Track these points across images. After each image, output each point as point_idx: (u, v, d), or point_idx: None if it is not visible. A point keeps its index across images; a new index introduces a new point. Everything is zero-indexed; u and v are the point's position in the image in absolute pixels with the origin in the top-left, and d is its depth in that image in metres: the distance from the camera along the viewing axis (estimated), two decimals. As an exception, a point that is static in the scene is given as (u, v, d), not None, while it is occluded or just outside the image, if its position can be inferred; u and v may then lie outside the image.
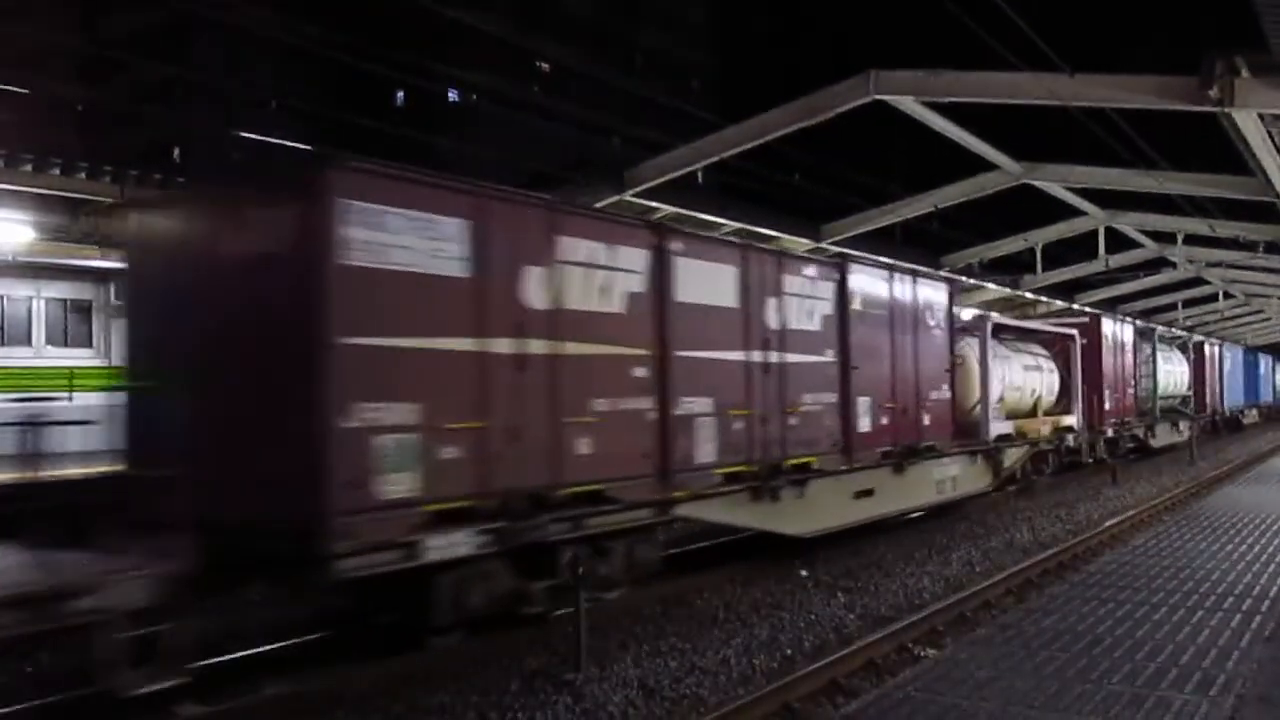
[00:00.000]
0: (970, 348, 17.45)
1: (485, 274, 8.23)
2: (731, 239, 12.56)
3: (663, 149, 15.58)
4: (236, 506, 7.23)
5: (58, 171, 13.73)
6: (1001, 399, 18.32)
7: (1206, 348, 37.44)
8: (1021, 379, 19.83)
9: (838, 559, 12.77)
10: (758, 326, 11.36)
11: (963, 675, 6.84)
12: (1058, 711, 6.09)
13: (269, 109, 39.55)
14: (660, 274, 10.03)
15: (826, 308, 12.73)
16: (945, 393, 15.43)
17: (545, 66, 50.51)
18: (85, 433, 12.58)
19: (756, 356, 11.27)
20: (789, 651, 8.74)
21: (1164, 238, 24.39)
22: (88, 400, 14.03)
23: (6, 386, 14.17)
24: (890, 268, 14.98)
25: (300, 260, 7.37)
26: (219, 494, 7.25)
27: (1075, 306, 29.04)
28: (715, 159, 15.44)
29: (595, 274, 9.32)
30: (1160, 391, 29.86)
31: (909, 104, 13.58)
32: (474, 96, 45.76)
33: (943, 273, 18.45)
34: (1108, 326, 24.93)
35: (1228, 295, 35.12)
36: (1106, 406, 23.91)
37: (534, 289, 8.70)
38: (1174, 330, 36.48)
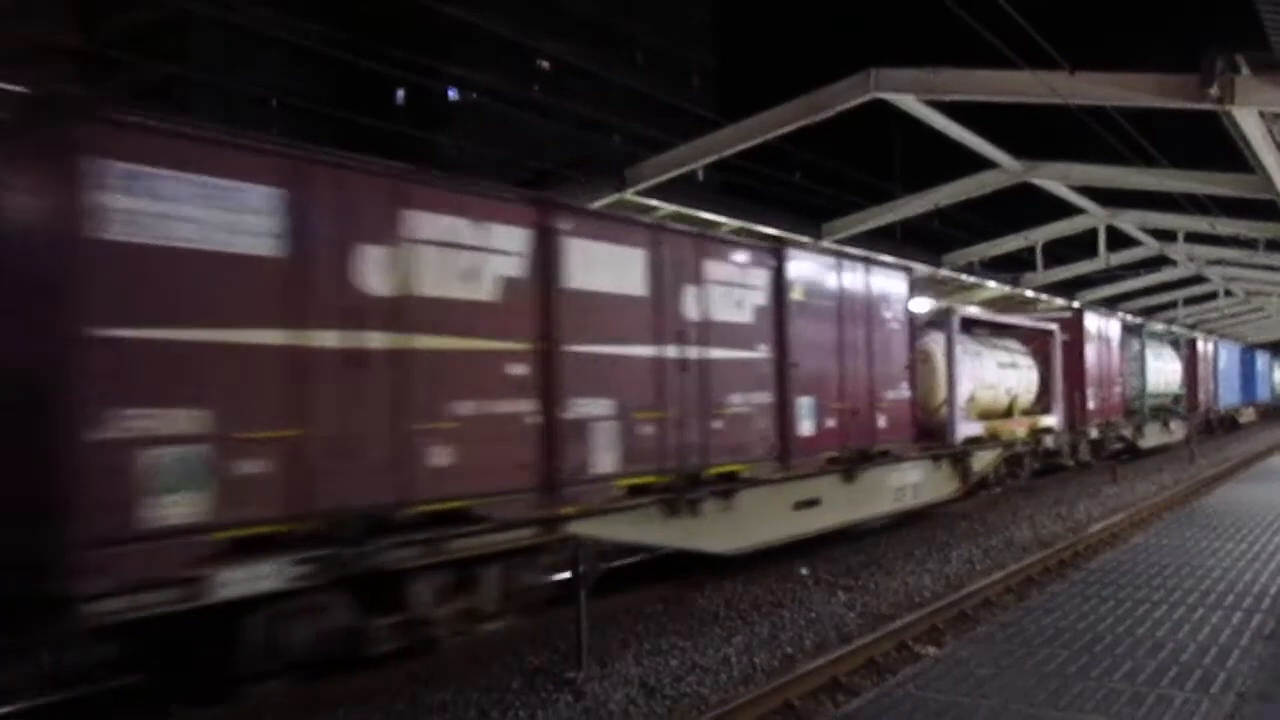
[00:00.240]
0: (936, 343, 16.40)
1: (305, 253, 6.93)
2: (638, 217, 10.91)
3: (663, 147, 15.56)
4: None
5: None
6: (972, 398, 17.28)
7: (1200, 344, 35.99)
8: (995, 377, 18.62)
9: (838, 557, 12.79)
10: (672, 318, 10.14)
11: (963, 673, 6.85)
12: (1058, 709, 6.10)
13: (269, 107, 39.56)
14: (546, 257, 8.76)
15: (760, 298, 11.46)
16: (904, 392, 14.23)
17: (545, 65, 50.52)
18: None
19: (671, 352, 10.07)
20: (790, 650, 8.75)
21: (1164, 236, 24.35)
22: None
23: None
24: (837, 254, 13.94)
25: (42, 234, 6.14)
26: None
27: (1056, 300, 27.79)
28: (716, 157, 15.41)
29: (458, 255, 8.01)
30: (1150, 390, 28.64)
31: (909, 102, 13.57)
32: (474, 95, 45.75)
33: (900, 260, 16.94)
34: (1091, 321, 23.84)
35: (1228, 293, 35.08)
36: (1090, 406, 22.84)
37: (374, 272, 7.40)
38: (1165, 326, 35.35)
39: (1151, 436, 28.27)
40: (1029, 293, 27.17)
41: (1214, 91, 10.78)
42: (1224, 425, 39.71)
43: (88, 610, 5.78)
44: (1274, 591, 9.26)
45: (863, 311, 13.39)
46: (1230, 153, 13.39)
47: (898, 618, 9.53)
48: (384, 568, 7.27)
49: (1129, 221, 22.64)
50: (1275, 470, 22.37)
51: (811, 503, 12.05)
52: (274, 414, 6.72)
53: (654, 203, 15.02)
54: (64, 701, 7.23)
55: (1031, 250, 24.68)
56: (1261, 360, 50.47)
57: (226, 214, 6.58)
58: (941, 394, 16.23)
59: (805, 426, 11.97)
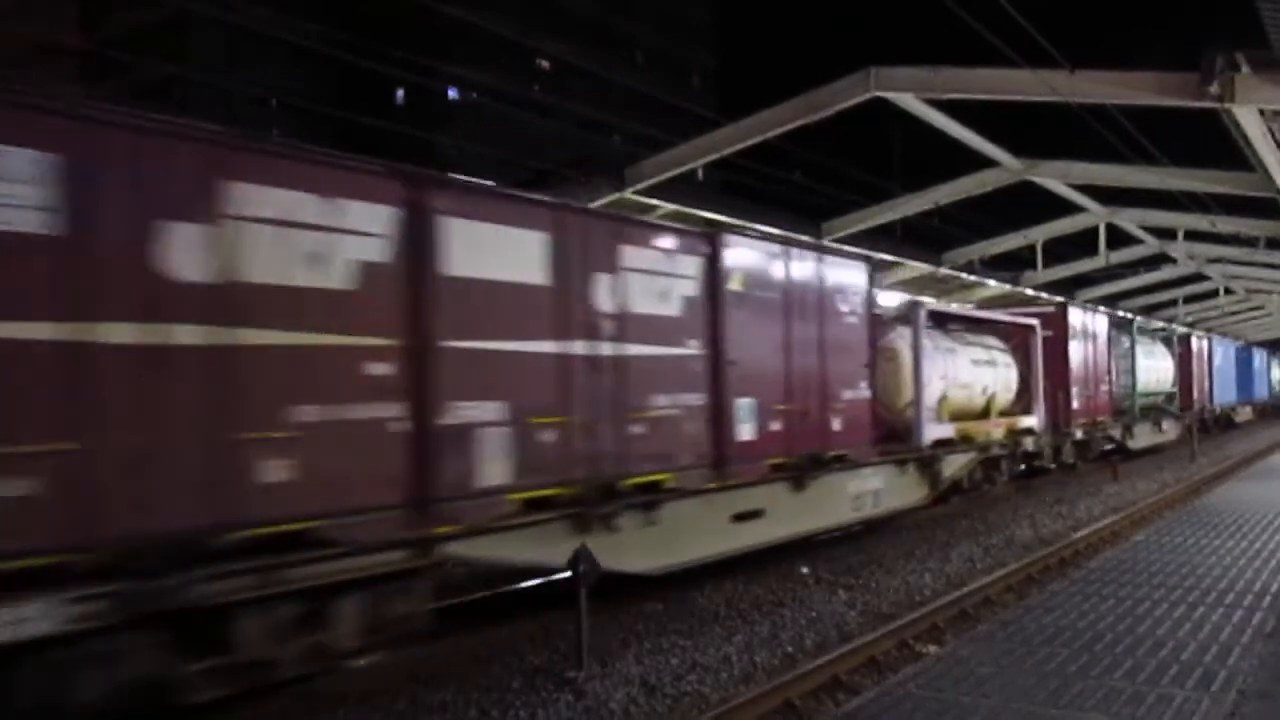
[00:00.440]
0: (903, 340, 15.41)
1: (87, 231, 5.93)
2: (538, 196, 9.41)
3: (663, 146, 15.56)
4: None
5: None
6: (944, 398, 16.30)
7: (1194, 341, 34.64)
8: (970, 375, 17.47)
9: (839, 556, 12.79)
10: (582, 310, 9.08)
11: (964, 672, 6.85)
12: (1059, 708, 6.10)
13: (269, 107, 39.57)
14: (417, 239, 7.66)
15: (690, 288, 10.42)
16: (863, 391, 13.21)
17: (545, 64, 50.54)
18: None
19: (579, 348, 9.00)
20: (790, 648, 8.75)
21: (1165, 234, 24.35)
22: None
23: None
24: (785, 241, 12.71)
25: None
26: None
27: (1035, 294, 26.55)
28: (715, 156, 15.41)
29: (299, 236, 6.89)
30: (1141, 388, 27.65)
31: (909, 101, 13.57)
32: (474, 94, 45.76)
33: (859, 250, 15.93)
34: (1076, 316, 22.60)
35: (1228, 291, 35.09)
36: (1075, 405, 21.74)
37: (183, 255, 6.31)
38: (1157, 322, 34.61)
39: (1142, 437, 27.32)
40: (1029, 291, 27.18)
41: (1214, 90, 10.79)
42: (1220, 424, 38.66)
43: None
44: (1275, 590, 9.26)
45: (814, 305, 12.35)
46: (1230, 151, 13.40)
47: (898, 616, 9.53)
48: (200, 603, 6.16)
49: (1129, 220, 22.64)
50: (1276, 468, 22.38)
51: (754, 514, 11.09)
52: (42, 423, 5.66)
53: (654, 202, 15.02)
54: None
55: (1032, 249, 24.69)
56: (1259, 358, 49.39)
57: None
58: (908, 394, 15.29)
59: (745, 430, 10.99)
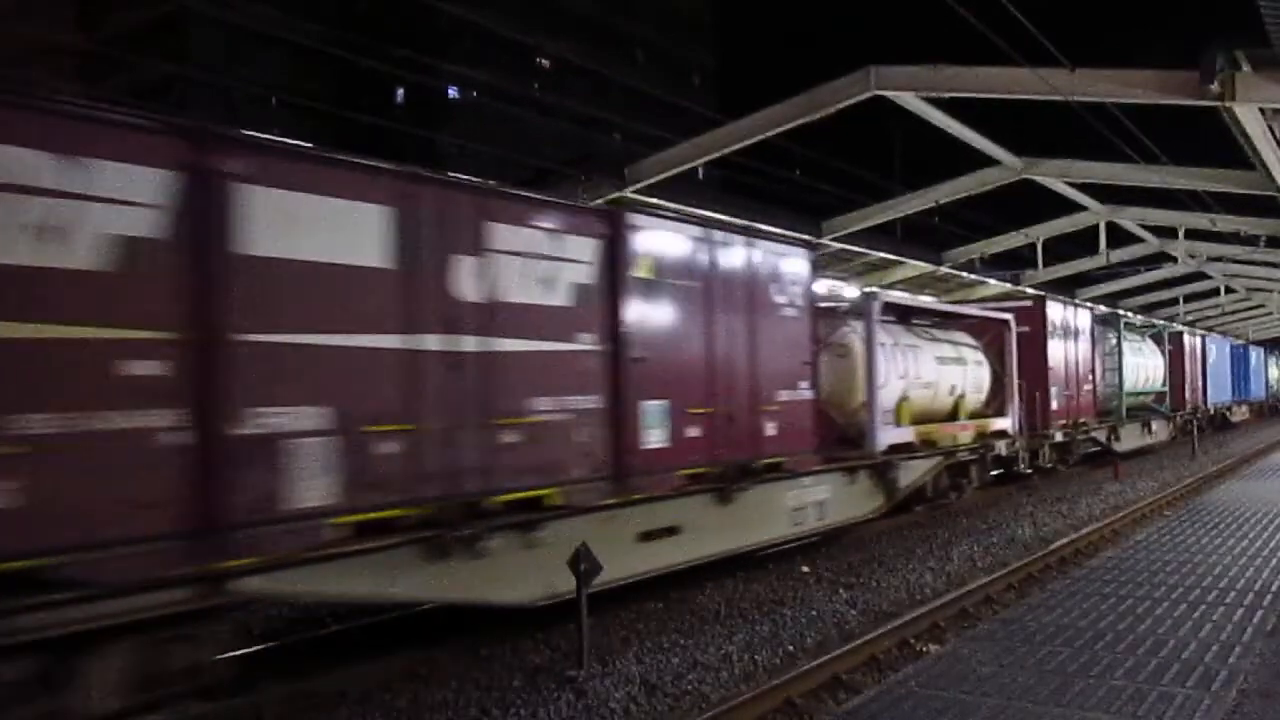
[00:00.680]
0: (857, 335, 14.22)
1: None
2: (374, 162, 7.68)
3: (663, 145, 15.58)
4: None
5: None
6: (905, 399, 15.06)
7: (1186, 338, 32.96)
8: (935, 373, 16.12)
9: (840, 556, 12.79)
10: (436, 298, 7.80)
11: (964, 670, 6.85)
12: (1060, 706, 6.10)
13: (269, 106, 39.57)
14: (204, 210, 6.41)
15: (584, 275, 9.12)
16: (804, 392, 11.89)
17: (545, 63, 50.52)
18: None
19: (432, 343, 7.72)
20: (791, 647, 8.75)
21: (1165, 233, 24.36)
22: None
23: None
24: (705, 224, 11.32)
25: None
26: None
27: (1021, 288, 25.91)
28: (716, 155, 15.43)
29: (25, 204, 5.58)
30: (1129, 388, 26.35)
31: (909, 99, 13.57)
32: (474, 93, 45.75)
33: (801, 235, 14.68)
34: (1055, 311, 21.35)
35: (1229, 290, 35.10)
36: (1054, 406, 20.48)
37: None
38: (1146, 318, 33.52)
39: (1130, 439, 25.97)
40: (1029, 290, 27.21)
41: (1214, 88, 10.80)
42: (1214, 425, 37.28)
43: None
44: (1275, 588, 9.26)
45: (744, 296, 11.09)
46: (1231, 149, 13.41)
47: (899, 615, 9.52)
48: None
49: (1129, 218, 22.65)
50: (1277, 467, 22.38)
51: (668, 531, 9.86)
52: None
53: (655, 200, 15.03)
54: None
55: (1032, 247, 24.69)
56: (1256, 356, 47.75)
57: None
58: (862, 394, 14.06)
59: (654, 437, 9.69)
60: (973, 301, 23.52)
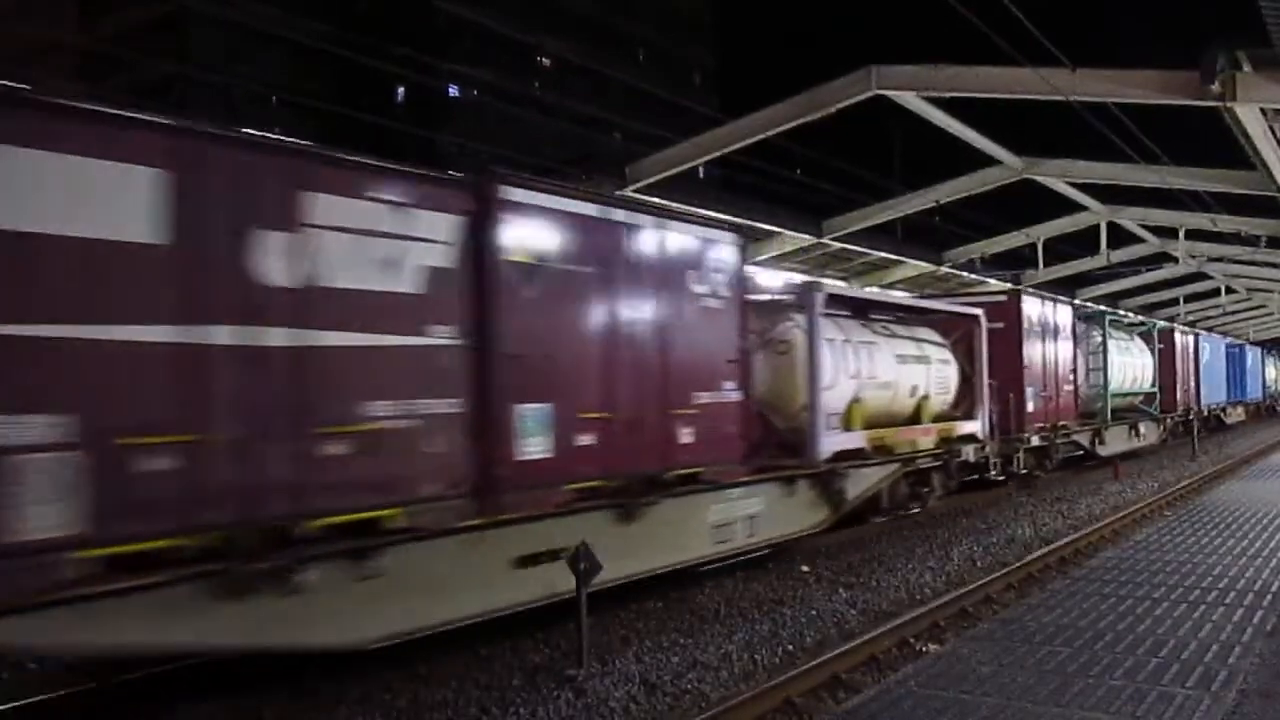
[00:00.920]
0: (800, 330, 12.80)
1: None
2: (140, 115, 6.39)
3: (664, 144, 15.58)
4: None
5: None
6: (857, 401, 13.62)
7: (1178, 336, 31.54)
8: (893, 373, 14.70)
9: (839, 555, 12.79)
10: (228, 282, 6.55)
11: (964, 670, 6.84)
12: (1059, 706, 6.09)
13: (270, 105, 39.59)
14: None
15: (440, 256, 7.79)
16: (729, 394, 10.66)
17: (546, 62, 50.53)
18: None
19: (222, 335, 6.47)
20: (790, 647, 8.74)
21: (1166, 233, 24.36)
22: None
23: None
24: (603, 201, 9.73)
25: None
26: None
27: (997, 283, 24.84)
28: (716, 154, 15.44)
29: None
30: (1114, 388, 25.10)
31: (910, 99, 13.57)
32: (475, 92, 45.76)
33: (725, 217, 13.25)
34: (1032, 307, 20.06)
35: (1229, 290, 35.10)
36: (1030, 408, 19.15)
37: None
38: (1134, 315, 32.07)
39: (1115, 442, 24.65)
40: (1031, 289, 27.24)
41: (1215, 88, 10.80)
42: (1207, 426, 35.63)
43: None
44: (1275, 588, 9.25)
45: (654, 284, 9.87)
46: (1231, 149, 13.41)
47: (899, 615, 9.51)
48: None
49: (1130, 218, 22.65)
50: (1277, 467, 22.37)
51: (554, 555, 8.43)
52: None
53: (656, 200, 15.03)
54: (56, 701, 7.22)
55: (1033, 247, 24.69)
56: (1252, 356, 46.11)
57: None
58: (805, 396, 12.71)
59: (534, 446, 8.39)
60: (942, 296, 22.08)
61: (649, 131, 25.43)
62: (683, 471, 10.12)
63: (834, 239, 19.57)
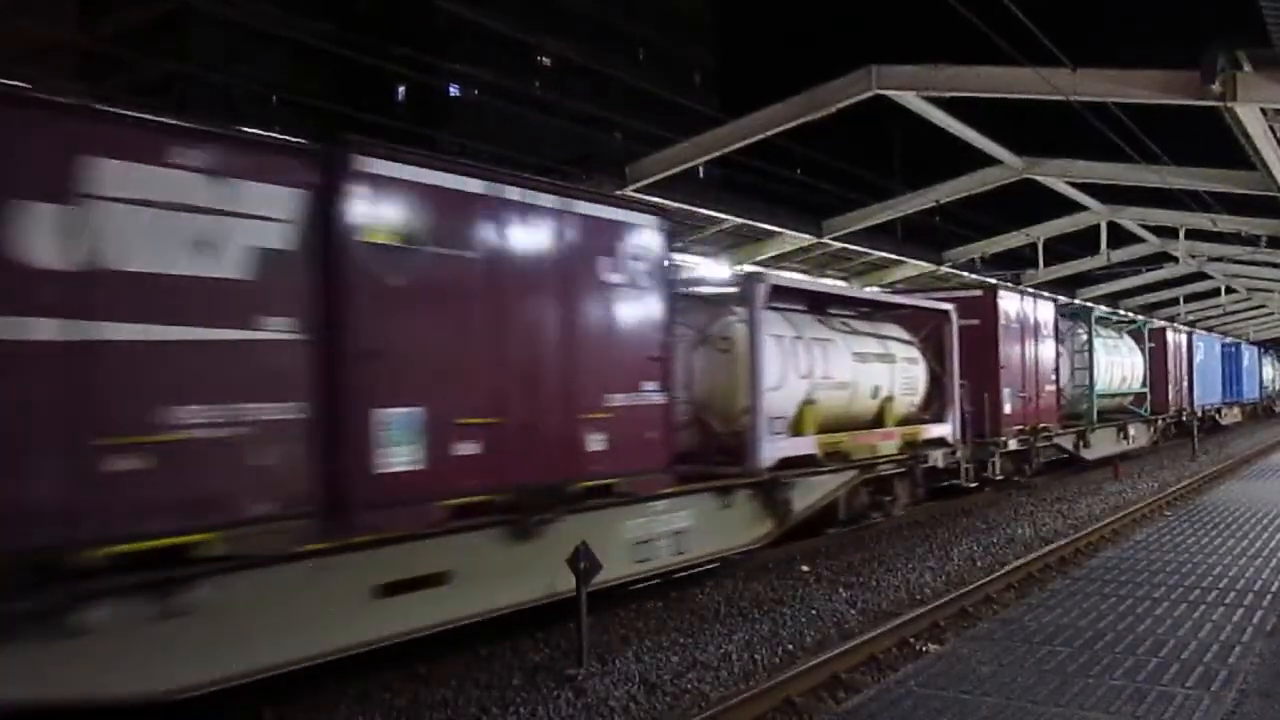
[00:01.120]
0: (743, 325, 11.75)
1: None
2: None
3: (664, 143, 15.58)
4: None
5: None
6: (809, 403, 12.55)
7: (1169, 334, 30.44)
8: (851, 372, 13.59)
9: (839, 555, 12.79)
10: None
11: (964, 670, 6.85)
12: (1059, 706, 6.10)
13: (270, 105, 39.58)
14: None
15: (274, 236, 6.64)
16: (651, 395, 9.59)
17: (546, 61, 50.52)
18: None
19: None
20: (790, 646, 8.75)
21: (1166, 232, 24.35)
22: None
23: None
24: (494, 175, 8.40)
25: None
26: None
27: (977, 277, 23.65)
28: (717, 154, 15.43)
29: None
30: (1101, 388, 24.17)
31: (910, 99, 13.56)
32: (475, 91, 45.75)
33: (645, 198, 12.13)
34: (1010, 303, 18.88)
35: (1230, 290, 35.10)
36: (1007, 410, 17.96)
37: None
38: (1123, 312, 31.14)
39: (1102, 444, 23.64)
40: (1030, 288, 27.23)
41: (1216, 88, 10.79)
42: (1201, 428, 33.64)
43: None
44: (1275, 588, 9.26)
45: (555, 272, 8.72)
46: (1231, 149, 13.41)
47: (899, 614, 9.52)
48: None
49: (1130, 218, 22.65)
50: (1276, 467, 22.38)
51: (427, 581, 7.50)
52: None
53: (656, 199, 15.03)
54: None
55: (1033, 247, 24.69)
56: (1249, 355, 44.89)
57: None
58: (747, 397, 11.68)
59: (399, 457, 7.29)
60: (913, 291, 20.83)
61: (649, 131, 25.41)
62: (592, 483, 8.96)
63: (834, 239, 19.56)
